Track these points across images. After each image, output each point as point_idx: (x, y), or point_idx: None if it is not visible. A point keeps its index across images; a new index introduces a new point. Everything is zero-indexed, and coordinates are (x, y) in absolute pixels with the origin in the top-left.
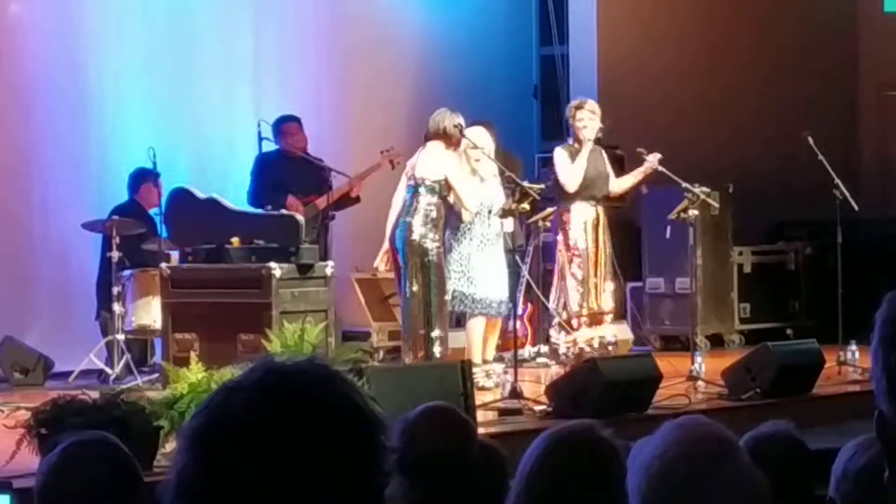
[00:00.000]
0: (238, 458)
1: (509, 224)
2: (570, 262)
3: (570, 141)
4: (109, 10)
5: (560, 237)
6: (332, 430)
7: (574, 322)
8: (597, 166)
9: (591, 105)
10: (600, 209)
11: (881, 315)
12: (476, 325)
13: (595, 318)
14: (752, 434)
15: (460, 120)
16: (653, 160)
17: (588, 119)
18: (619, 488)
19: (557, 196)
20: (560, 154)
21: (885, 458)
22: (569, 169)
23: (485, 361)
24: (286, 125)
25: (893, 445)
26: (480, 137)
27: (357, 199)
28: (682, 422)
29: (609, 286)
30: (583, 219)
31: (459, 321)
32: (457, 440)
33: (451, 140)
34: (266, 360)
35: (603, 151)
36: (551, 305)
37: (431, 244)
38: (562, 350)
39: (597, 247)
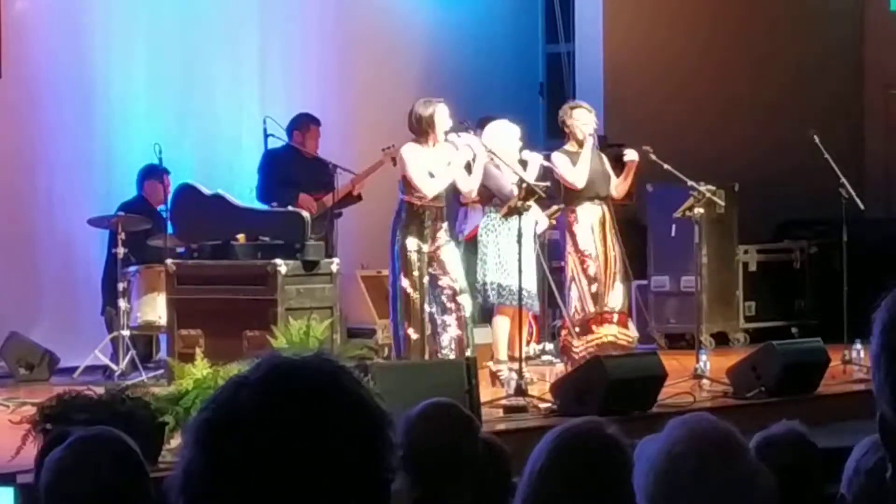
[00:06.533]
0: (244, 453)
1: (543, 221)
2: (582, 264)
3: (567, 145)
4: (116, 6)
5: (569, 240)
6: (338, 424)
7: (590, 324)
8: (596, 165)
9: (586, 105)
10: (605, 208)
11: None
12: (502, 322)
13: (604, 318)
14: (763, 434)
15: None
16: (631, 156)
17: (585, 116)
18: (628, 486)
19: (563, 198)
20: (559, 157)
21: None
22: (572, 169)
23: (511, 358)
24: (308, 125)
25: None
26: (504, 131)
27: (359, 198)
28: (688, 419)
29: (619, 286)
30: (589, 220)
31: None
32: (460, 436)
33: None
34: (272, 356)
35: (602, 155)
36: (566, 308)
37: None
38: (579, 354)
39: (605, 246)
